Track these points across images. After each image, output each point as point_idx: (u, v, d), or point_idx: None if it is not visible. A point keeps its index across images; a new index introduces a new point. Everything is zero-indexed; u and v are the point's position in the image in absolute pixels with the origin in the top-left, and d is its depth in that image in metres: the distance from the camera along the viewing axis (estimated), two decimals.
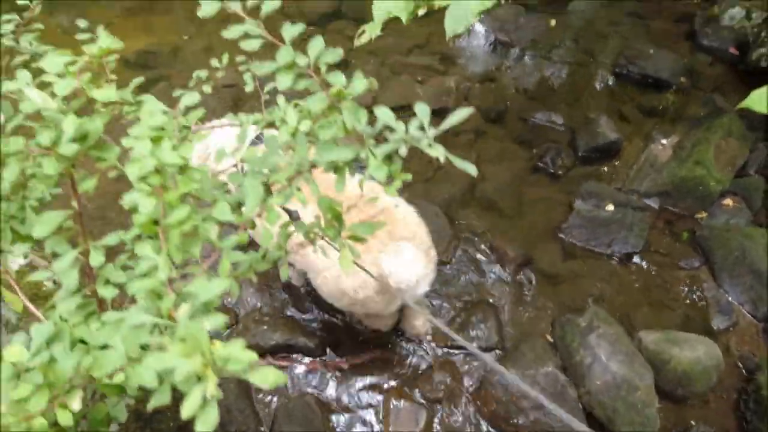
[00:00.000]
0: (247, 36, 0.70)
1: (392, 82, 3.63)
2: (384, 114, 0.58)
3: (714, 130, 3.02)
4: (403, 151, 0.57)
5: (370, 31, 1.98)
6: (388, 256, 1.50)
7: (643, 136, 3.26)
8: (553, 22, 4.20)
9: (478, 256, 2.58)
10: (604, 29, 4.25)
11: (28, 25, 1.09)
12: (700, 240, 2.59)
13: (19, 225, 0.67)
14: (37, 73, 1.06)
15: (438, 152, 0.57)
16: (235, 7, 0.73)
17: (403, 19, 1.47)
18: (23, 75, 0.67)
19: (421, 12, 1.81)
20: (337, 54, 0.66)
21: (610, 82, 3.68)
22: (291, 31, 0.70)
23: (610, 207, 2.70)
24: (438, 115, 2.79)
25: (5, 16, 1.09)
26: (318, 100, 0.63)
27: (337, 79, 0.64)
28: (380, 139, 0.63)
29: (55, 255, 0.52)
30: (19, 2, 1.15)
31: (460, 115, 0.57)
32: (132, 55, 3.80)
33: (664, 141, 3.14)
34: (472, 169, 0.59)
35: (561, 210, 2.82)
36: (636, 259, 2.57)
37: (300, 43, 0.73)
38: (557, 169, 3.00)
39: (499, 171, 3.03)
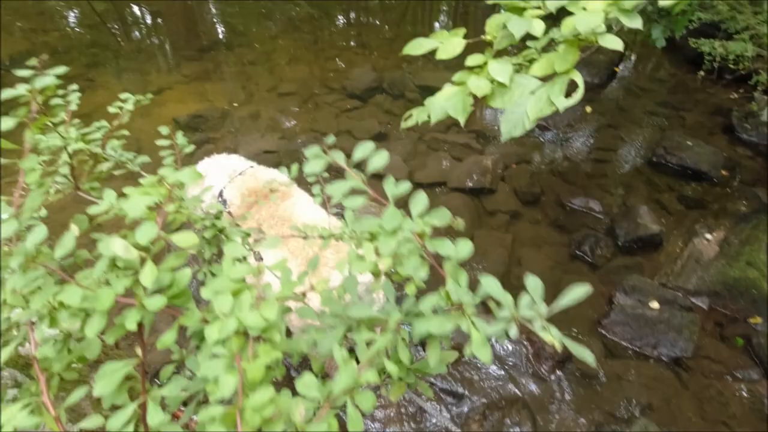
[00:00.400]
0: (353, 192, 0.68)
1: (429, 158, 3.68)
2: (490, 285, 0.52)
3: (762, 228, 2.89)
4: (514, 332, 0.50)
5: (418, 117, 1.99)
6: None
7: (684, 228, 3.14)
8: (589, 109, 4.26)
9: (513, 348, 2.43)
10: (640, 117, 4.27)
11: (116, 131, 1.12)
12: (758, 348, 2.38)
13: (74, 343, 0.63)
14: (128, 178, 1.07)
15: (553, 337, 0.49)
16: (340, 161, 0.72)
17: (461, 121, 1.46)
18: (109, 195, 0.66)
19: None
20: (444, 217, 0.61)
21: (648, 171, 3.63)
22: (394, 190, 0.67)
23: (655, 304, 2.54)
24: (474, 194, 2.70)
25: (96, 123, 1.13)
26: (409, 253, 0.57)
27: (445, 248, 0.58)
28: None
29: (113, 407, 0.47)
30: (110, 110, 1.20)
31: (575, 294, 0.51)
32: (185, 117, 3.99)
33: (708, 236, 3.02)
34: (590, 359, 0.50)
35: (601, 303, 2.67)
36: (686, 364, 2.37)
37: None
38: (596, 259, 2.88)
39: (535, 256, 2.94)
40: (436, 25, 7.20)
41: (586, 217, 3.21)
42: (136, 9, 7.01)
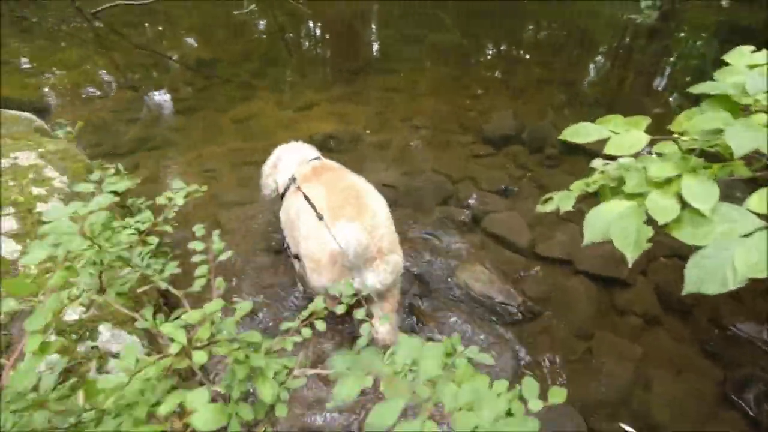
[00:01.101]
0: None
1: (558, 228, 3.22)
2: None
3: None
4: None
5: (560, 204, 1.66)
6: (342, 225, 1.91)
7: None
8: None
9: None
10: None
11: (145, 237, 1.04)
12: None
13: None
14: None
15: None
16: None
17: (630, 257, 1.11)
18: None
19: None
20: None
21: None
22: None
23: None
24: (605, 283, 2.18)
25: (126, 232, 1.05)
26: None
27: None
28: None
29: None
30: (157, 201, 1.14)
31: None
32: (320, 136, 4.11)
33: None
34: None
35: None
36: None
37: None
38: (762, 415, 2.18)
39: (671, 384, 2.33)
40: (592, 68, 6.54)
41: (754, 352, 2.48)
42: (311, 23, 7.65)
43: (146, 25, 7.23)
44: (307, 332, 1.00)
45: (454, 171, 3.75)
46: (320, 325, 1.07)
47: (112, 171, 2.89)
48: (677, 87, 5.74)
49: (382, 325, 2.04)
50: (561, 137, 1.47)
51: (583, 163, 1.91)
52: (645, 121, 1.43)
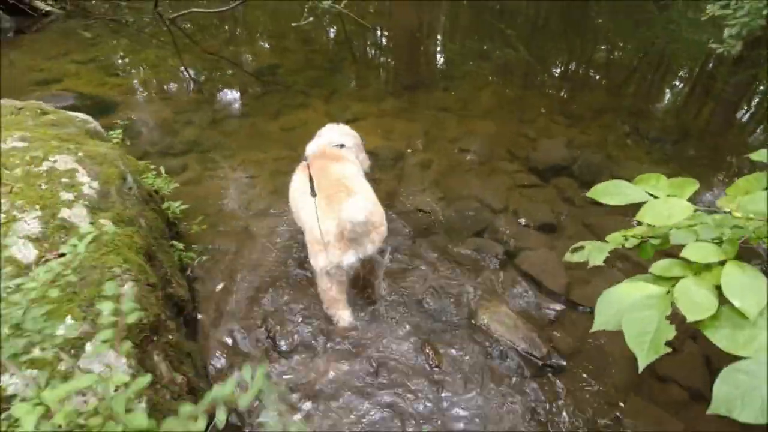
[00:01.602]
0: None
1: (599, 273, 2.94)
2: None
3: None
4: None
5: (591, 256, 1.48)
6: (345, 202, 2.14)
7: None
8: None
9: None
10: None
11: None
12: None
13: None
14: None
15: None
16: None
17: (642, 361, 0.94)
18: None
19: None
20: None
21: None
22: None
23: None
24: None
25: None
26: None
27: None
28: None
29: None
30: None
31: None
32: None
33: None
34: None
35: None
36: None
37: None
38: None
39: None
40: (663, 97, 6.03)
41: None
42: (378, 32, 7.70)
43: (225, 28, 7.64)
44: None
45: (495, 200, 3.55)
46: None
47: (154, 173, 3.03)
48: (762, 124, 5.15)
49: (378, 288, 2.59)
50: (589, 195, 1.30)
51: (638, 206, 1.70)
52: (692, 186, 1.23)
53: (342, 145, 2.77)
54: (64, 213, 1.69)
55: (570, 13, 9.36)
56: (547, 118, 4.97)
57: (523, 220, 3.38)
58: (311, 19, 6.14)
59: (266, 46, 7.08)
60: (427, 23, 8.69)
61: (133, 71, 5.83)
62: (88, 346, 1.26)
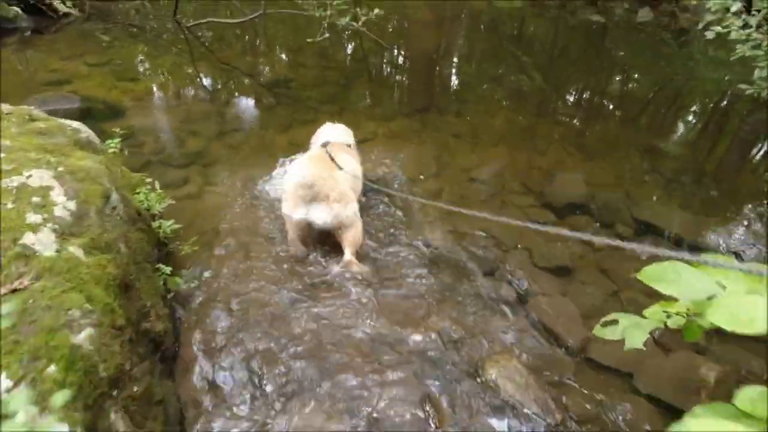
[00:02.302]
0: None
1: None
2: None
3: None
4: None
5: (628, 337, 1.26)
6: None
7: None
8: None
9: None
10: None
11: None
12: None
13: None
14: None
15: None
16: None
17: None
18: None
19: None
20: None
21: None
22: None
23: None
24: (674, 413, 1.59)
25: None
26: None
27: None
28: None
29: None
30: None
31: None
32: (370, 175, 3.86)
33: None
34: None
35: None
36: None
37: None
38: None
39: None
40: (685, 133, 5.78)
41: None
42: (395, 52, 7.58)
43: (246, 38, 7.56)
44: None
45: (507, 237, 3.32)
46: None
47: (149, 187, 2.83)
48: None
49: (345, 254, 2.78)
50: (640, 278, 1.06)
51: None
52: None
53: (349, 145, 3.31)
54: (28, 238, 1.48)
55: (588, 44, 9.24)
56: (561, 149, 4.75)
57: (537, 261, 3.13)
58: (327, 35, 6.01)
59: (282, 59, 6.98)
60: (444, 46, 8.58)
61: (145, 77, 5.71)
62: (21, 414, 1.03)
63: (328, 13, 5.68)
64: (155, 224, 2.61)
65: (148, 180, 2.97)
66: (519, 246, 3.27)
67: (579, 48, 9.07)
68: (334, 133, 3.37)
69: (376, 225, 3.31)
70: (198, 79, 5.86)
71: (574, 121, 5.69)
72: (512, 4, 11.59)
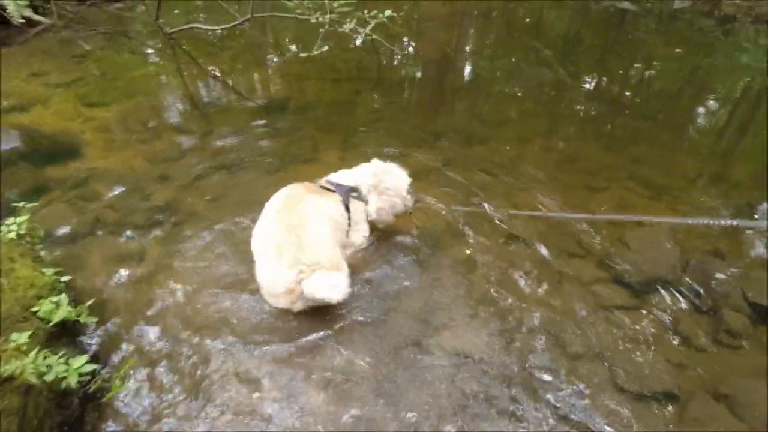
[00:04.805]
0: None
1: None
2: None
3: None
4: None
5: None
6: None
7: None
8: None
9: None
10: None
11: None
12: None
13: None
14: None
15: None
16: None
17: None
18: None
19: None
20: None
21: None
22: None
23: None
24: None
25: None
26: None
27: None
28: None
29: None
30: None
31: None
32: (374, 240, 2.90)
33: None
34: None
35: None
36: None
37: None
38: None
39: None
40: None
41: None
42: (407, 59, 6.52)
43: (242, 42, 6.58)
44: None
45: (571, 337, 2.35)
46: None
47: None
48: None
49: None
50: None
51: None
52: None
53: (355, 190, 2.64)
54: None
55: (628, 45, 8.04)
56: (621, 187, 3.73)
57: (622, 381, 2.16)
58: (326, 48, 5.00)
59: (280, 70, 5.97)
60: (463, 48, 7.48)
61: (115, 100, 4.77)
62: None
63: (327, 18, 4.65)
64: (60, 370, 1.69)
65: (65, 279, 2.06)
66: (591, 349, 2.30)
67: (621, 52, 7.89)
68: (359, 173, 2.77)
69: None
70: (177, 103, 4.92)
71: (629, 143, 4.59)
72: None
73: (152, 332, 2.29)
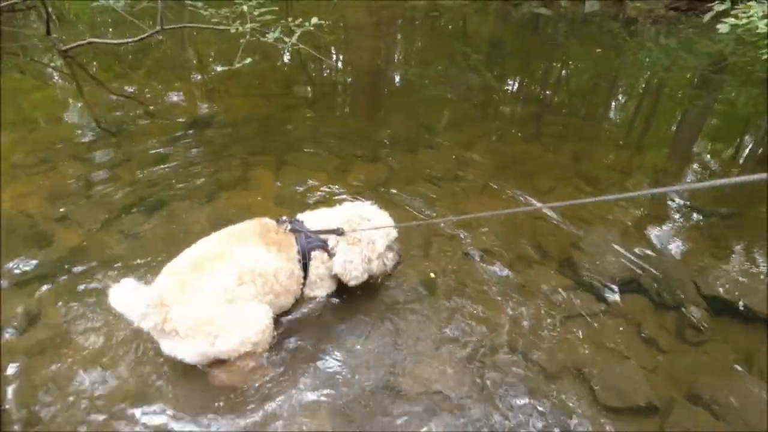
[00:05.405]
0: None
1: None
2: None
3: None
4: None
5: None
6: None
7: None
8: None
9: None
10: None
11: None
12: None
13: None
14: None
15: None
16: None
17: None
18: None
19: None
20: None
21: None
22: None
23: None
24: None
25: None
26: None
27: None
28: None
29: None
30: None
31: None
32: None
33: None
34: None
35: None
36: None
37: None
38: None
39: None
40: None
41: None
42: (339, 65, 6.25)
43: (155, 57, 5.92)
44: None
45: (543, 355, 2.20)
46: None
47: None
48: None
49: None
50: None
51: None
52: None
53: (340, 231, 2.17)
54: None
55: (546, 48, 8.38)
56: (568, 184, 3.72)
57: (602, 397, 2.03)
58: (249, 60, 4.61)
59: (201, 90, 5.45)
60: (392, 54, 7.38)
61: (2, 127, 4.05)
62: None
63: (248, 27, 4.27)
64: None
65: None
66: (566, 367, 2.16)
67: (539, 56, 8.20)
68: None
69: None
70: (79, 129, 4.28)
71: (566, 141, 4.67)
72: (455, 2, 10.66)
73: None
